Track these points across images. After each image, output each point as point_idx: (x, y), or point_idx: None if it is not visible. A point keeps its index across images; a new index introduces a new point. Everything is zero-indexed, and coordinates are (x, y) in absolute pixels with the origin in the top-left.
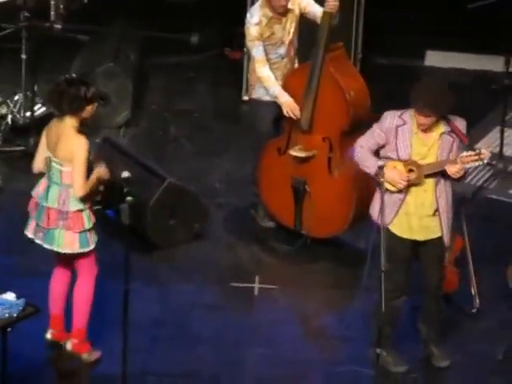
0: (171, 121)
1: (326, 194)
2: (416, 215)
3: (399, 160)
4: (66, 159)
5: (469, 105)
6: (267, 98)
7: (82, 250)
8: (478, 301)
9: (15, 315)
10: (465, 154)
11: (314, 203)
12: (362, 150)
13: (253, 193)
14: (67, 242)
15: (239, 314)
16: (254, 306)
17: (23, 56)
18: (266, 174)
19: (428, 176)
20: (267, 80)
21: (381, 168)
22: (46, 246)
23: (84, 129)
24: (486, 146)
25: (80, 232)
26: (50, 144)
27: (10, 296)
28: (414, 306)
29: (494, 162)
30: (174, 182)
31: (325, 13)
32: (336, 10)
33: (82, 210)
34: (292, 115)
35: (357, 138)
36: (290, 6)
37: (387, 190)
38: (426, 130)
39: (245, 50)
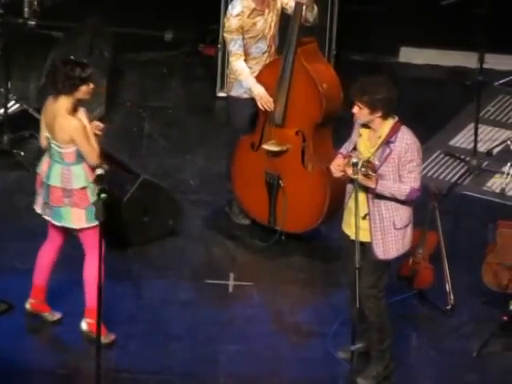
0: (145, 117)
1: (299, 188)
2: (353, 213)
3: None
4: (63, 141)
5: (443, 101)
6: (246, 96)
7: (88, 225)
8: (452, 297)
9: None
10: (366, 160)
11: (288, 198)
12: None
13: (227, 189)
14: (75, 218)
15: (213, 310)
16: (228, 302)
17: None
18: (240, 170)
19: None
20: (241, 73)
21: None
22: (54, 222)
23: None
24: (460, 143)
25: (86, 207)
26: (47, 124)
27: None
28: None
29: (467, 159)
30: (148, 179)
31: (297, 4)
32: (309, 3)
33: (86, 187)
34: (266, 107)
35: (330, 131)
36: None
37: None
38: (369, 128)
39: (219, 46)
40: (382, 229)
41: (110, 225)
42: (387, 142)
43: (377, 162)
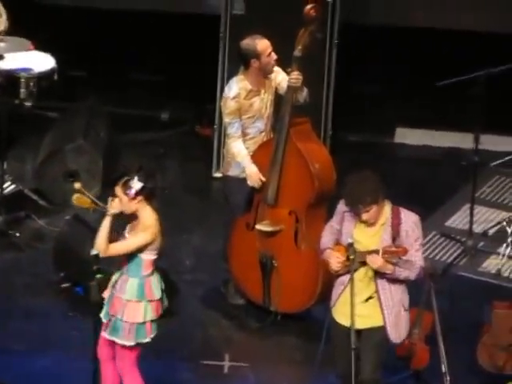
0: None
1: (293, 268)
2: (349, 302)
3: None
4: None
5: (438, 181)
6: (243, 176)
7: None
8: (448, 378)
9: None
10: (389, 245)
11: (281, 278)
12: (326, 249)
13: (223, 269)
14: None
15: None
16: (223, 382)
17: None
18: (236, 250)
19: (365, 264)
20: (239, 154)
21: (324, 250)
22: None
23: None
24: (456, 223)
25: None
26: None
27: None
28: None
29: (463, 239)
30: None
31: (289, 88)
32: (300, 84)
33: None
34: (254, 185)
35: (323, 211)
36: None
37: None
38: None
39: (215, 127)
40: (395, 313)
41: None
42: (397, 224)
43: (385, 244)
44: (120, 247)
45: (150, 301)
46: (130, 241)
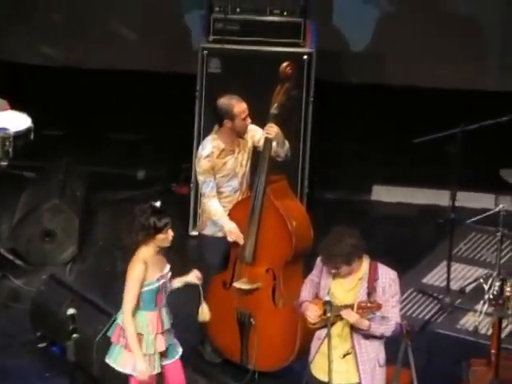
0: (118, 256)
1: (271, 326)
2: (327, 357)
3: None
4: None
5: (415, 239)
6: (219, 235)
7: (131, 372)
8: None
9: None
10: (363, 301)
11: (259, 336)
12: (304, 302)
13: (200, 327)
14: (123, 361)
15: None
16: None
17: None
18: (212, 309)
19: (342, 318)
20: (216, 213)
21: (301, 303)
22: (106, 359)
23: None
24: (434, 280)
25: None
26: None
27: None
28: None
29: (440, 296)
30: None
31: (266, 141)
32: (274, 135)
33: (141, 334)
34: (236, 240)
35: (300, 267)
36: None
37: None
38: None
39: (191, 185)
40: (370, 369)
41: (81, 364)
42: (373, 280)
43: (361, 298)
44: None
45: None
46: None
